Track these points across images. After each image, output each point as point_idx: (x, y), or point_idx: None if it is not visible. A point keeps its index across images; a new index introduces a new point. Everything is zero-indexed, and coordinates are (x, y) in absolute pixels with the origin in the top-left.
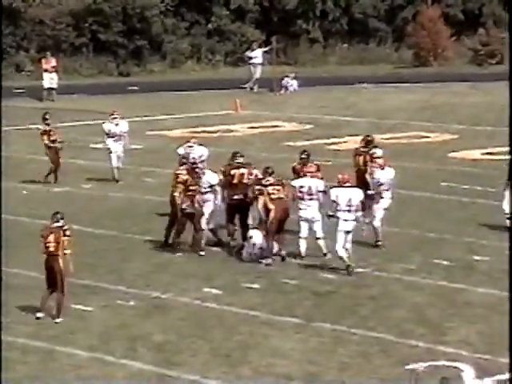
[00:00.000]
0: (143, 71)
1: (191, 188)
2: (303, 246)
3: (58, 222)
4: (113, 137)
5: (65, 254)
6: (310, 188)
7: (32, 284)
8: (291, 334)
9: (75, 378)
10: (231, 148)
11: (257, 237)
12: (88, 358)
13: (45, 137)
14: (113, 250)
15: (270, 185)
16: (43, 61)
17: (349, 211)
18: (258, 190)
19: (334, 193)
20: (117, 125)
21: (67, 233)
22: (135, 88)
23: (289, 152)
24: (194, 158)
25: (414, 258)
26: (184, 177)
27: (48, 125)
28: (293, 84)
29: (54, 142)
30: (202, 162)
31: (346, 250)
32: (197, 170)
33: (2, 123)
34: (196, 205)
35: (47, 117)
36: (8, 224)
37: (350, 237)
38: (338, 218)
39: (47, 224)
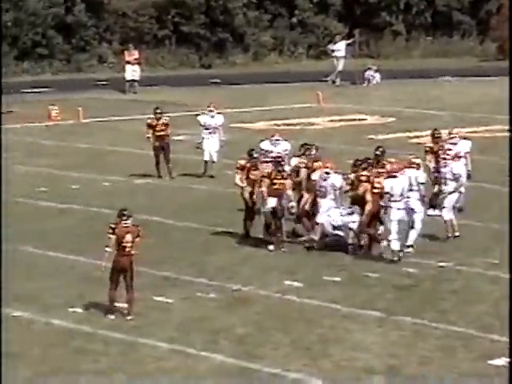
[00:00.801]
0: (225, 63)
1: (276, 183)
2: (396, 245)
3: (127, 219)
4: (208, 129)
5: (136, 254)
6: (402, 188)
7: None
8: (372, 327)
9: (156, 370)
10: (312, 141)
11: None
12: (169, 350)
13: (150, 130)
14: (195, 242)
15: (375, 176)
16: (126, 53)
17: (401, 200)
18: (365, 176)
19: (388, 184)
20: (212, 117)
21: (140, 233)
22: (217, 80)
23: (370, 145)
24: (278, 153)
25: (497, 253)
26: (265, 172)
27: (158, 119)
28: (375, 77)
29: (160, 137)
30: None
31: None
32: (281, 164)
33: (1, 123)
34: (282, 201)
35: (158, 111)
36: (90, 216)
37: (404, 225)
38: (390, 207)
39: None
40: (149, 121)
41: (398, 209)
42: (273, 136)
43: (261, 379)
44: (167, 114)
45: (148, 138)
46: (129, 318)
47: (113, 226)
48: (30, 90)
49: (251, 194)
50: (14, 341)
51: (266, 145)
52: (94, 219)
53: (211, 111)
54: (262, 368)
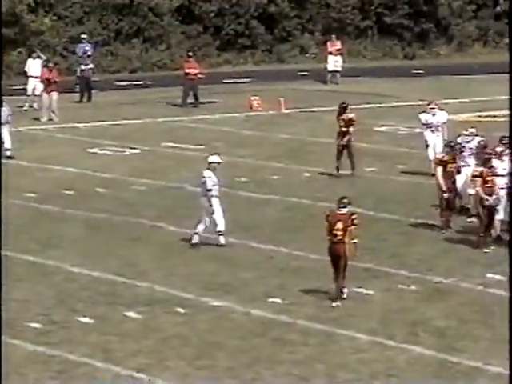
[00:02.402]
0: (428, 54)
1: (488, 181)
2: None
3: (345, 207)
4: (430, 127)
5: (352, 242)
6: None
7: (310, 266)
8: None
9: (355, 361)
10: None
11: None
12: (368, 342)
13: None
14: (395, 233)
15: None
16: (328, 43)
17: None
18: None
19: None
20: (434, 115)
21: (355, 221)
22: (420, 71)
23: None
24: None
25: None
26: (477, 171)
27: (340, 114)
28: None
29: (341, 133)
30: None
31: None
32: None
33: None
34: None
35: (343, 104)
36: (290, 206)
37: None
38: None
39: (331, 207)
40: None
41: None
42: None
43: (460, 372)
44: (369, 105)
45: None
46: (334, 304)
47: (328, 213)
48: (231, 81)
49: (448, 187)
50: (214, 330)
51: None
52: (294, 210)
53: (432, 109)
54: (462, 361)
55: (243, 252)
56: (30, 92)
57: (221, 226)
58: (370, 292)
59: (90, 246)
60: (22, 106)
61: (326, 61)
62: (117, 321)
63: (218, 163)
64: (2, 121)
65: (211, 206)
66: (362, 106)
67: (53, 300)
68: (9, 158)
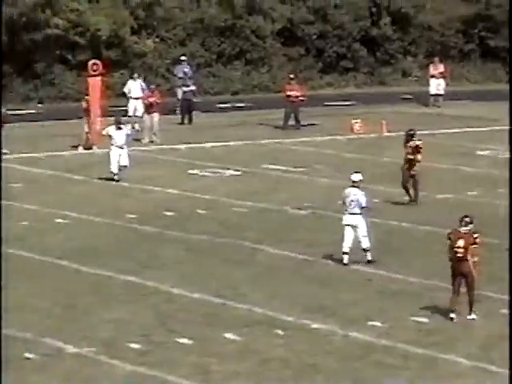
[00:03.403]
0: None
1: None
2: None
3: (466, 226)
4: None
5: (473, 261)
6: None
7: (410, 289)
8: None
9: None
10: None
11: None
12: (470, 367)
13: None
14: (496, 258)
15: None
16: (431, 66)
17: None
18: None
19: None
20: None
21: (477, 240)
22: None
23: None
24: None
25: None
26: None
27: (407, 141)
28: None
29: (408, 161)
30: None
31: None
32: None
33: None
34: None
35: (411, 132)
36: (390, 229)
37: None
38: None
39: (432, 231)
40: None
41: None
42: None
43: None
44: (472, 129)
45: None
46: (469, 317)
47: (450, 231)
48: (333, 103)
49: None
50: (313, 353)
51: None
52: (394, 233)
53: None
54: None
55: (342, 275)
56: (131, 113)
57: (365, 243)
58: (473, 316)
59: (190, 267)
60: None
61: (428, 84)
62: (216, 342)
63: (361, 181)
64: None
65: (360, 223)
66: (464, 130)
67: (152, 320)
68: (113, 180)
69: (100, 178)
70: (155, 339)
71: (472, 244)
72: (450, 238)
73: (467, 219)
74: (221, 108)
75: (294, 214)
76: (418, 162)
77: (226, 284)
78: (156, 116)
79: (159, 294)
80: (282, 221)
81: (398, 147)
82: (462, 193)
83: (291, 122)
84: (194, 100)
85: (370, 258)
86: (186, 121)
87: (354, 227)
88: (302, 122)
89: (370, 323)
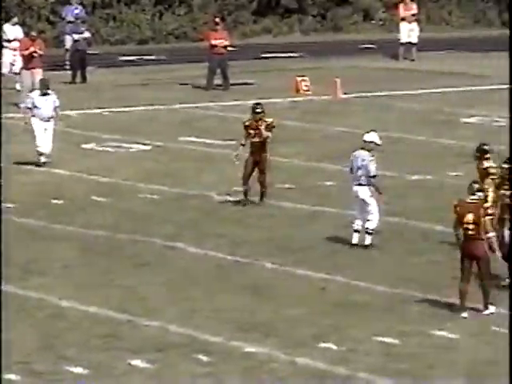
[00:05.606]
0: None
1: None
2: None
3: (473, 194)
4: None
5: (487, 237)
6: None
7: (375, 301)
8: None
9: None
10: None
11: None
12: None
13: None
14: None
15: None
16: (401, 7)
17: None
18: None
19: None
20: None
21: (489, 211)
22: None
23: None
24: None
25: None
26: None
27: (256, 120)
28: None
29: (254, 144)
30: None
31: None
32: None
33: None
34: None
35: (258, 109)
36: (348, 221)
37: None
38: None
39: (406, 224)
40: (246, 122)
41: None
42: None
43: None
44: (455, 88)
45: (241, 144)
46: (486, 312)
47: (455, 203)
48: (272, 55)
49: None
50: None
51: None
52: (349, 227)
53: None
54: None
55: (286, 282)
56: (6, 68)
57: (373, 223)
58: (453, 336)
59: (85, 272)
60: None
61: (397, 30)
62: (119, 371)
63: (377, 144)
64: None
65: (370, 196)
66: (445, 90)
67: (34, 343)
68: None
69: None
70: (38, 368)
71: (484, 216)
72: (456, 212)
73: (476, 185)
74: (124, 62)
75: (220, 202)
76: (264, 142)
77: (132, 295)
78: (38, 72)
79: (44, 307)
80: (205, 211)
81: (357, 113)
82: (442, 173)
83: (217, 80)
84: (88, 51)
85: (369, 241)
86: (77, 79)
87: (363, 201)
88: (232, 81)
89: (323, 345)
